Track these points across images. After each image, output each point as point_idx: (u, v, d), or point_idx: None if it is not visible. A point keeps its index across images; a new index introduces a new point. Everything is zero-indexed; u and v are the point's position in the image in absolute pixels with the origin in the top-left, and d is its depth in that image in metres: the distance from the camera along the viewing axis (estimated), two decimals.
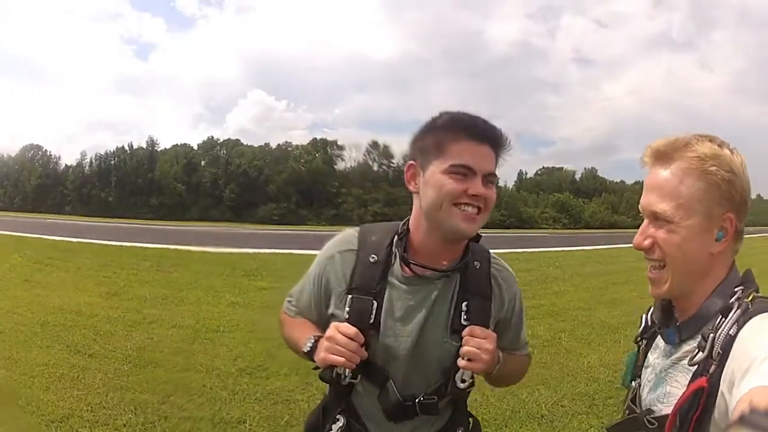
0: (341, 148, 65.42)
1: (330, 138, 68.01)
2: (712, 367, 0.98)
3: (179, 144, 62.89)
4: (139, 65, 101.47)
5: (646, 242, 1.13)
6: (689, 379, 1.04)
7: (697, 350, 1.03)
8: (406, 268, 1.44)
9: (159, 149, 61.09)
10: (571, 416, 4.24)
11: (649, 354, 1.28)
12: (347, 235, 1.54)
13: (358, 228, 1.56)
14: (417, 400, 1.43)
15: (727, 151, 1.07)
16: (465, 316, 1.43)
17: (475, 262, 1.48)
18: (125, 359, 4.93)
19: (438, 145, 1.36)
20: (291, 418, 3.82)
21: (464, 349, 1.36)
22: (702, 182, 1.06)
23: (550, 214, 67.67)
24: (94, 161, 59.07)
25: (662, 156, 1.12)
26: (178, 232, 23.29)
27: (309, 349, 1.43)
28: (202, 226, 32.67)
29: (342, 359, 1.33)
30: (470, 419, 1.61)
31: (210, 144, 62.85)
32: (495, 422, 4.03)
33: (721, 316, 1.03)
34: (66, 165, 60.34)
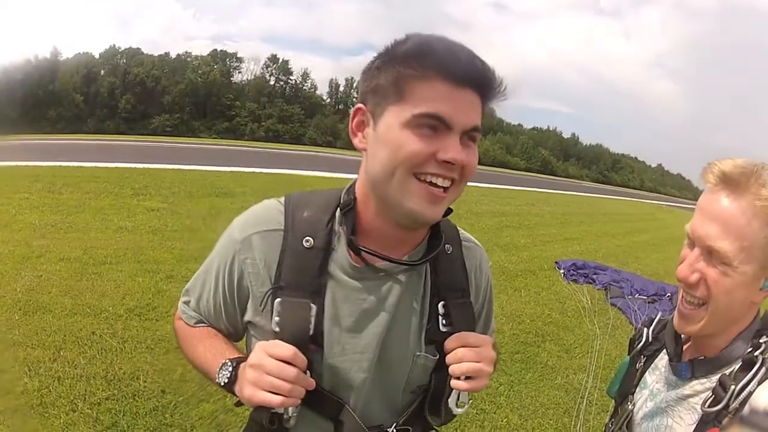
0: (240, 60, 63.71)
1: (231, 50, 65.55)
2: (726, 420, 0.93)
3: (81, 53, 58.74)
4: None
5: (694, 277, 1.02)
6: (696, 420, 1.01)
7: (711, 396, 0.98)
8: (355, 256, 1.04)
9: (62, 59, 56.56)
10: None
11: (647, 374, 1.23)
12: (270, 209, 1.08)
13: (282, 198, 1.09)
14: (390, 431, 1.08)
15: None
16: (444, 321, 1.07)
17: (446, 246, 1.10)
18: (15, 306, 4.56)
19: (397, 83, 0.93)
20: (184, 371, 3.58)
21: (461, 367, 1.00)
22: None
23: None
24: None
25: (732, 184, 0.99)
26: (73, 148, 21.93)
27: (226, 381, 1.01)
28: (96, 140, 30.69)
29: (279, 397, 0.92)
30: None
31: (111, 53, 59.13)
32: None
33: (742, 364, 0.98)
34: None
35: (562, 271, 8.38)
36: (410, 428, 1.11)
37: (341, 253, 1.03)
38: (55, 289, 4.99)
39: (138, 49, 61.01)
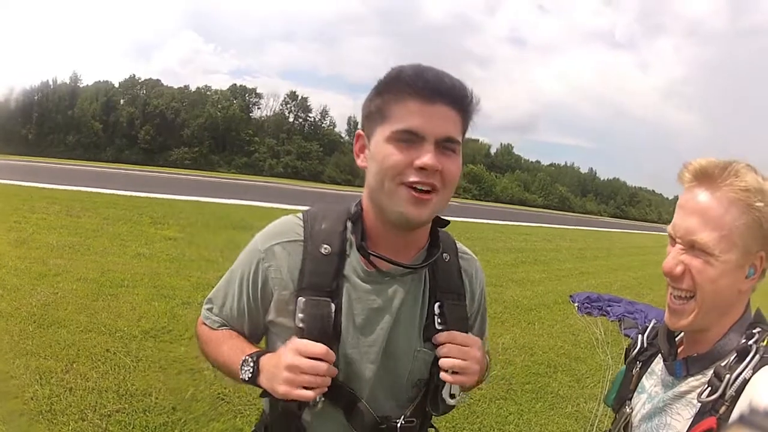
0: (260, 96, 64.68)
1: (250, 86, 66.87)
2: (723, 408, 0.95)
3: (101, 81, 60.62)
4: None
5: (679, 269, 1.04)
6: (693, 414, 1.02)
7: (707, 387, 0.99)
8: (366, 261, 1.17)
9: (81, 85, 58.63)
10: (489, 401, 4.30)
11: (644, 379, 1.24)
12: (288, 223, 1.22)
13: (300, 214, 1.23)
14: (398, 425, 1.18)
15: None
16: (439, 320, 1.18)
17: (444, 254, 1.23)
18: (30, 318, 4.64)
19: (380, 108, 1.08)
20: (196, 391, 3.64)
21: (447, 362, 1.12)
22: (746, 217, 0.99)
23: (461, 184, 69.65)
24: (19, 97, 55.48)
25: (708, 178, 1.03)
26: (91, 174, 22.56)
27: (250, 376, 1.13)
28: (115, 168, 31.32)
29: (312, 393, 1.04)
30: None
31: (131, 83, 60.74)
32: None
33: (736, 356, 0.99)
34: None
35: (576, 304, 8.30)
36: (415, 420, 1.21)
37: (354, 258, 1.17)
38: (71, 307, 5.05)
39: (158, 80, 62.67)
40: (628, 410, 1.23)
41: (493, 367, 4.73)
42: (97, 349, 4.19)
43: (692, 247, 1.03)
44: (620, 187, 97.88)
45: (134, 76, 61.80)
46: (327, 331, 1.10)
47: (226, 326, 1.27)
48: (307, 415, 1.16)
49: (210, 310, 1.30)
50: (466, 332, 1.20)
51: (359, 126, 1.18)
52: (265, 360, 1.12)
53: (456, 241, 1.30)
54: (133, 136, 56.60)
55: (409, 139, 1.05)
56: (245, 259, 1.22)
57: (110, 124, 56.39)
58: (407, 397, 1.22)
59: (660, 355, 1.19)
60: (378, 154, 1.08)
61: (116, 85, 60.39)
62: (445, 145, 1.07)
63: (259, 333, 1.27)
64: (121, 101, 59.32)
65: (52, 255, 6.88)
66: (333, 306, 1.12)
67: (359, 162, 1.16)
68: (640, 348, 1.28)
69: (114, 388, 3.59)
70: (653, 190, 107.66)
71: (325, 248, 1.15)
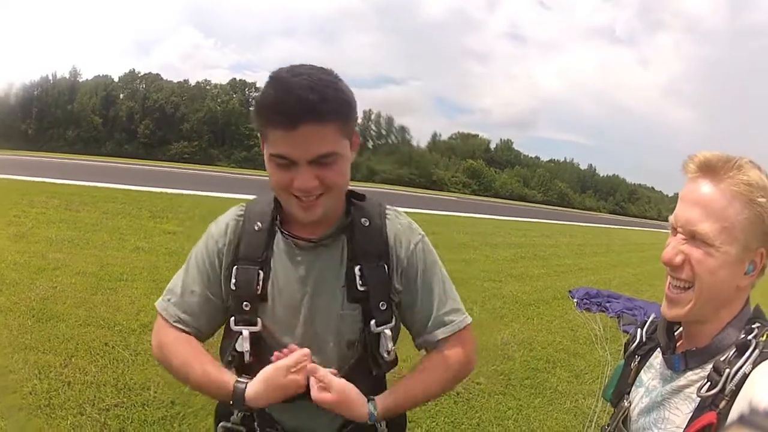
0: (259, 90, 64.94)
1: (250, 80, 66.68)
2: (723, 403, 0.95)
3: (101, 75, 60.53)
4: None
5: (678, 258, 1.05)
6: (692, 408, 1.02)
7: (707, 382, 0.99)
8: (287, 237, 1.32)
9: (81, 80, 58.52)
10: (488, 396, 4.30)
11: (642, 373, 1.24)
12: (232, 210, 1.39)
13: (244, 203, 1.42)
14: None
15: None
16: (360, 282, 1.28)
17: (363, 219, 1.33)
18: (29, 312, 4.65)
19: (260, 126, 1.18)
20: None
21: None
22: (749, 211, 1.00)
23: (461, 179, 69.99)
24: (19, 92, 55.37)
25: (712, 170, 1.04)
26: (90, 168, 22.61)
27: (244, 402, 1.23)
28: (114, 162, 31.31)
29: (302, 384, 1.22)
30: None
31: (130, 77, 60.60)
32: None
33: (735, 351, 1.00)
34: None
35: (575, 300, 8.30)
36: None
37: (279, 234, 1.33)
38: (69, 301, 5.06)
39: (157, 74, 62.65)
40: (626, 404, 1.23)
41: (492, 362, 4.75)
42: (96, 343, 4.20)
43: (693, 237, 1.04)
44: (620, 184, 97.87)
45: (134, 70, 61.95)
46: (253, 294, 1.28)
47: (181, 323, 1.35)
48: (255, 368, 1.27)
49: (170, 300, 1.37)
50: (389, 296, 1.32)
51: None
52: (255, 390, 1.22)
53: (388, 207, 1.40)
54: (132, 131, 56.68)
55: (284, 162, 1.16)
56: (200, 244, 1.38)
57: (110, 119, 56.53)
58: (340, 357, 1.33)
59: (659, 349, 1.19)
60: (268, 167, 1.20)
61: (116, 80, 60.52)
62: (319, 161, 1.16)
63: (218, 319, 1.37)
64: (121, 95, 59.40)
65: (51, 249, 6.89)
66: (261, 273, 1.29)
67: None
68: (639, 342, 1.28)
69: (112, 382, 3.60)
70: (653, 187, 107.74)
71: (258, 225, 1.32)
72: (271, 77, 1.16)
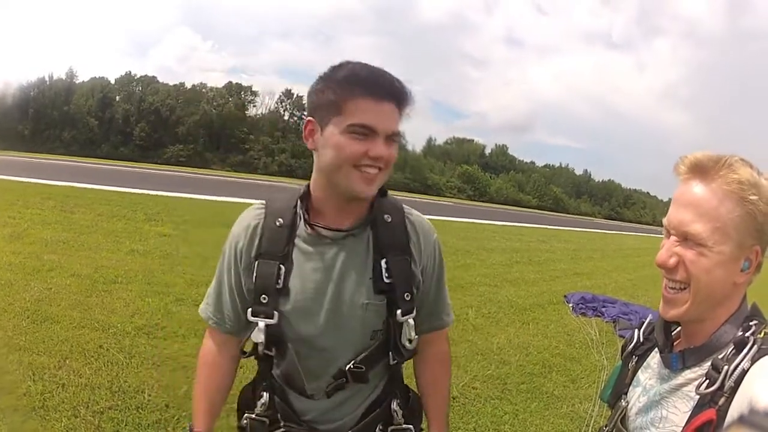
0: (255, 94, 64.58)
1: (246, 84, 66.70)
2: (722, 400, 0.95)
3: (97, 77, 60.30)
4: None
5: (672, 260, 1.05)
6: (691, 406, 1.01)
7: (705, 379, 0.99)
8: (310, 229, 1.36)
9: (77, 81, 58.48)
10: (484, 400, 4.29)
11: (639, 372, 1.24)
12: (252, 208, 1.44)
13: (263, 200, 1.47)
14: (347, 368, 1.38)
15: (765, 182, 1.02)
16: (387, 274, 1.35)
17: (386, 216, 1.40)
18: (23, 314, 4.65)
19: (336, 101, 1.25)
20: (189, 388, 3.59)
21: None
22: (741, 209, 1.00)
23: (456, 184, 70.04)
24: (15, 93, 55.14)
25: (702, 171, 1.03)
26: (85, 170, 22.66)
27: None
28: (110, 165, 31.31)
29: None
30: (410, 394, 1.55)
31: (127, 79, 60.42)
32: None
33: (733, 348, 1.00)
34: None
35: (570, 304, 8.32)
36: (363, 368, 1.38)
37: (302, 228, 1.37)
38: (64, 302, 5.04)
39: (154, 77, 62.33)
40: (623, 404, 1.23)
41: (488, 367, 4.74)
42: (90, 345, 4.18)
43: (685, 238, 1.04)
44: (615, 189, 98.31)
45: (130, 72, 61.64)
46: (272, 287, 1.33)
47: (216, 324, 1.47)
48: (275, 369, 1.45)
49: (207, 304, 1.49)
50: (411, 287, 1.38)
51: (307, 112, 1.35)
52: None
53: (407, 208, 1.47)
54: (128, 133, 56.38)
55: (363, 132, 1.23)
56: (225, 245, 1.44)
57: (106, 121, 56.22)
58: (362, 344, 1.39)
59: (656, 349, 1.19)
60: (335, 143, 1.24)
61: (112, 82, 60.37)
62: (391, 137, 1.27)
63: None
64: (117, 98, 59.15)
65: (46, 250, 6.88)
66: (283, 267, 1.33)
67: (309, 144, 1.33)
68: (636, 342, 1.28)
69: (107, 385, 3.57)
70: (648, 192, 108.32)
71: (279, 221, 1.36)
72: (346, 62, 1.29)
